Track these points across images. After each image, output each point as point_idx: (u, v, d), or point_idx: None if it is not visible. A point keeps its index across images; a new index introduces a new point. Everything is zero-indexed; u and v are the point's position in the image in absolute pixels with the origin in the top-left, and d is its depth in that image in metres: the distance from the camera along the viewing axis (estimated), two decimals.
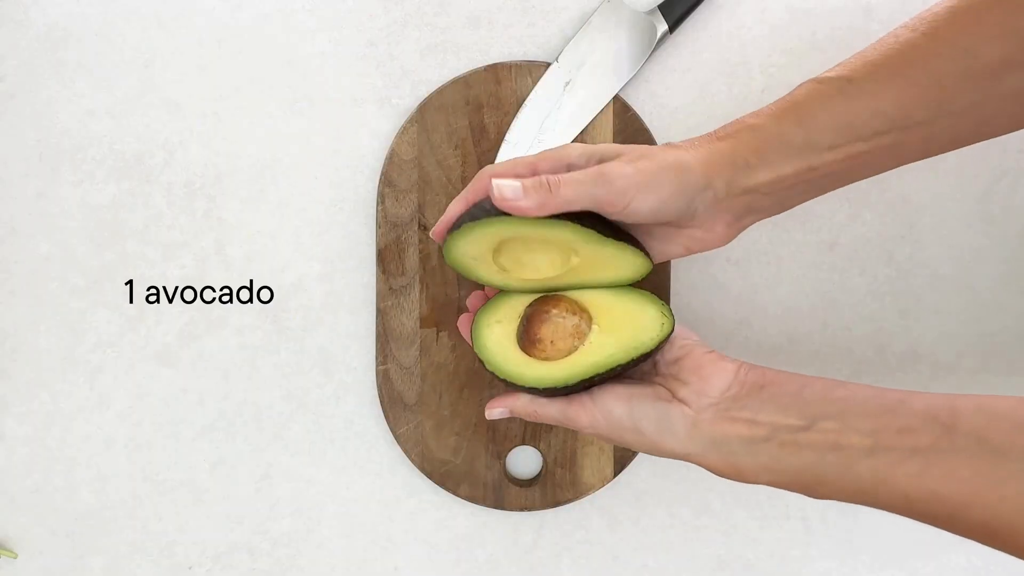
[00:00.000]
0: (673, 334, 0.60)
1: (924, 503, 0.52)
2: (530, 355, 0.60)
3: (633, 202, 0.55)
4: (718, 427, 0.56)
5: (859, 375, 0.71)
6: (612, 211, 0.56)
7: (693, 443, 0.56)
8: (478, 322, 0.62)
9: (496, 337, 0.61)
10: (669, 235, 0.59)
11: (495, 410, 0.61)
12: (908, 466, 0.52)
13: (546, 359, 0.60)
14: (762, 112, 0.58)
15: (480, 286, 0.65)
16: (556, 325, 0.60)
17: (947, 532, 0.53)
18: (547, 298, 0.61)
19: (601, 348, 0.59)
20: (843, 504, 0.72)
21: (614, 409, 0.58)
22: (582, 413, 0.59)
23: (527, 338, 0.60)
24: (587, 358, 0.59)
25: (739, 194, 0.56)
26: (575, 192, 0.55)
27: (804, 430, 0.54)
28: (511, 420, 0.70)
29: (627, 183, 0.55)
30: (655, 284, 0.69)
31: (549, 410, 0.60)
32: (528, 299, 0.61)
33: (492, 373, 0.61)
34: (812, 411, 0.55)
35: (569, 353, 0.60)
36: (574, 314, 0.60)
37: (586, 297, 0.61)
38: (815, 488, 0.55)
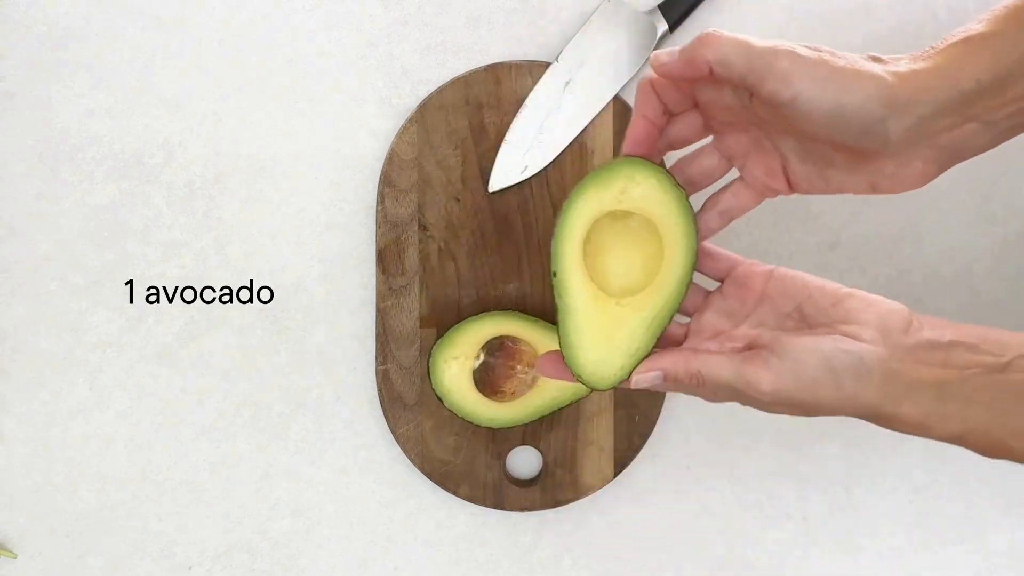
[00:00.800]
0: (816, 283, 0.54)
1: None
2: (487, 396, 0.68)
3: (801, 93, 0.47)
4: (914, 370, 0.50)
5: None
6: (767, 96, 0.48)
7: (888, 392, 0.50)
8: (435, 357, 0.67)
9: (453, 374, 0.67)
10: (852, 164, 0.51)
11: (648, 375, 0.53)
12: None
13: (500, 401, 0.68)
14: (987, 19, 0.49)
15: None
16: (519, 380, 0.68)
17: None
18: (509, 349, 0.67)
19: (546, 391, 0.68)
20: (843, 504, 0.72)
21: (807, 360, 0.50)
22: (764, 373, 0.50)
23: (489, 386, 0.68)
24: (534, 400, 0.68)
25: (953, 122, 0.49)
26: (721, 52, 0.48)
27: (999, 370, 0.50)
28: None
29: (793, 68, 0.47)
30: None
31: (720, 372, 0.51)
32: (483, 336, 0.67)
33: (449, 411, 0.68)
34: (1003, 350, 0.50)
35: (519, 395, 0.68)
36: (531, 366, 0.67)
37: (538, 340, 0.67)
38: (1006, 442, 0.50)
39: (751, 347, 0.53)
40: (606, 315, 0.56)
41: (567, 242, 0.56)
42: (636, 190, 0.55)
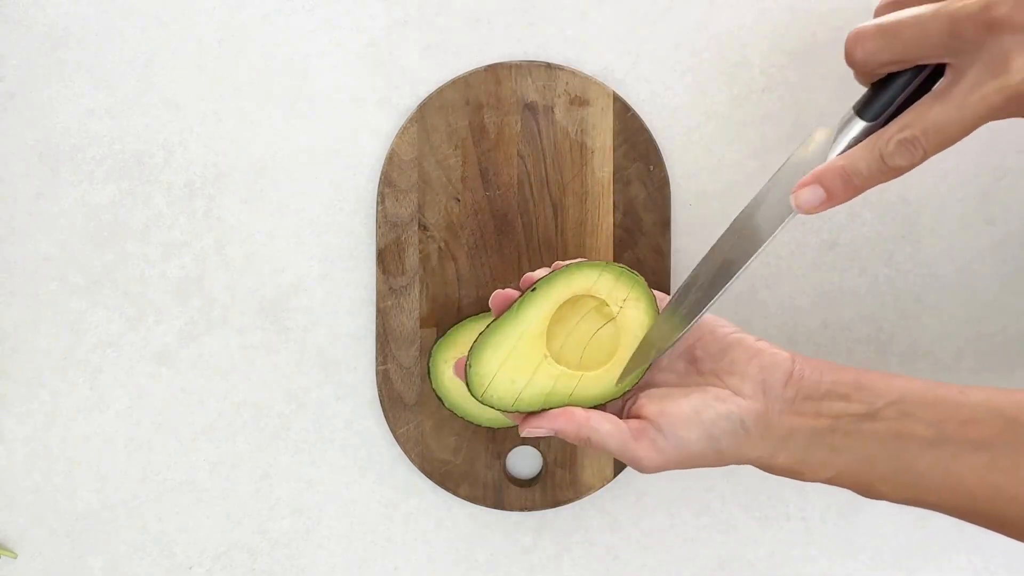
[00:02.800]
0: (710, 324, 0.57)
1: (989, 501, 0.50)
2: None
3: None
4: (787, 421, 0.53)
5: None
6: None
7: (765, 444, 0.53)
8: (435, 357, 0.67)
9: (452, 374, 0.67)
10: None
11: (538, 430, 0.55)
12: (973, 459, 0.50)
13: None
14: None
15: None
16: None
17: (1013, 538, 0.51)
18: None
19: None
20: (843, 504, 0.72)
21: (689, 436, 0.53)
22: (649, 452, 0.53)
23: None
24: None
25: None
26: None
27: (868, 419, 0.52)
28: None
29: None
30: (655, 284, 0.69)
31: (608, 443, 0.54)
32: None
33: (449, 410, 0.67)
34: (873, 399, 0.52)
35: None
36: None
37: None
38: (874, 486, 0.53)
39: (638, 414, 0.55)
40: (540, 363, 0.58)
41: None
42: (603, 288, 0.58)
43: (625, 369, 0.57)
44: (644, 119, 0.70)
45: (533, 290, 0.58)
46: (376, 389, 0.71)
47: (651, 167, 0.69)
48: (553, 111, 0.69)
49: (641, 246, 0.70)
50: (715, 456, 0.53)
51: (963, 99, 0.50)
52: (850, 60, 0.54)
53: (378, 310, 0.70)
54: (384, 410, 0.70)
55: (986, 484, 0.50)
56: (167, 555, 0.72)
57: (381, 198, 0.70)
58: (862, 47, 0.53)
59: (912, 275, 0.71)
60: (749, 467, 0.71)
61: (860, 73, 0.55)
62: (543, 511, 0.72)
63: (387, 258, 0.70)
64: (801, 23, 0.70)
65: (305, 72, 0.71)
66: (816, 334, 0.71)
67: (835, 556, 0.72)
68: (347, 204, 0.71)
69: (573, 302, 0.59)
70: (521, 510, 0.71)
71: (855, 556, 0.72)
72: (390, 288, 0.70)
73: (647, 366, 0.56)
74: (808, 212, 0.54)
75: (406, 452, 0.70)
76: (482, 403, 0.58)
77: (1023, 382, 0.71)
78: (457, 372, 0.59)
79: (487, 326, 0.59)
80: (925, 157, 0.52)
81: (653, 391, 0.56)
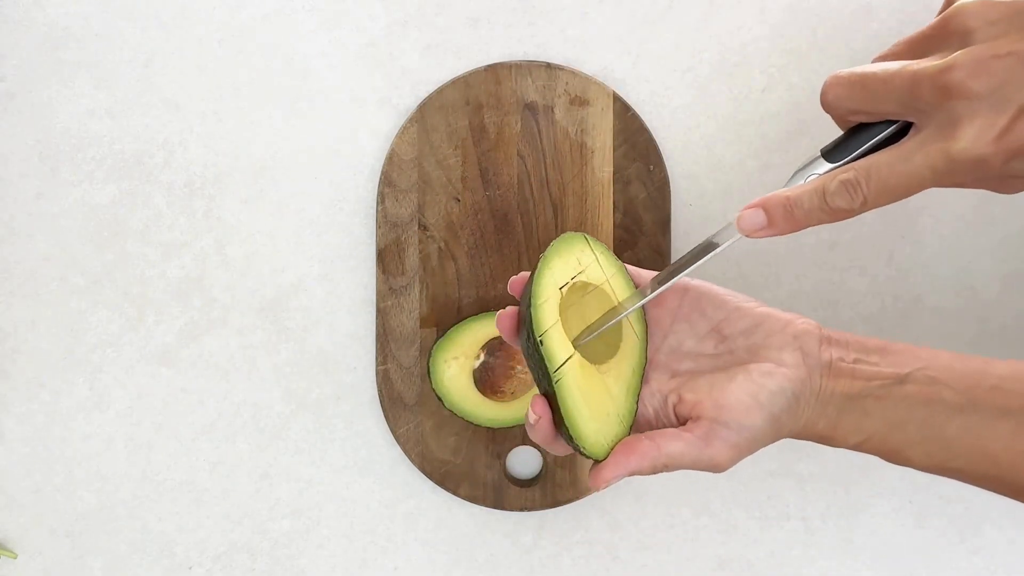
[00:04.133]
0: (733, 302, 0.56)
1: (1014, 468, 0.51)
2: (487, 396, 0.67)
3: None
4: (827, 385, 0.53)
5: None
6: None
7: (810, 410, 0.53)
8: (435, 357, 0.67)
9: (452, 374, 0.67)
10: None
11: (614, 477, 0.52)
12: (999, 425, 0.51)
13: (500, 401, 0.68)
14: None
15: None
16: (519, 380, 0.68)
17: None
18: (508, 349, 0.67)
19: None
20: (843, 504, 0.72)
21: (755, 422, 0.52)
22: (723, 450, 0.52)
23: (489, 386, 0.67)
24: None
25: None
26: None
27: (899, 383, 0.53)
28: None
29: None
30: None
31: (682, 460, 0.52)
32: (483, 336, 0.67)
33: (450, 410, 0.68)
34: (902, 364, 0.53)
35: (520, 395, 0.68)
36: None
37: None
38: (903, 451, 0.53)
39: (689, 413, 0.54)
40: (593, 383, 0.55)
41: (546, 307, 0.54)
42: (587, 260, 0.56)
43: (586, 329, 0.56)
44: (644, 119, 0.70)
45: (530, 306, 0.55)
46: (376, 389, 0.71)
47: (651, 167, 0.69)
48: (553, 111, 0.69)
49: (641, 246, 0.70)
50: (775, 434, 0.53)
51: (909, 155, 0.52)
52: (823, 102, 0.55)
53: (378, 310, 0.70)
54: (384, 410, 0.70)
55: (1011, 450, 0.51)
56: (167, 555, 0.72)
57: (381, 198, 0.70)
58: (833, 91, 0.54)
59: (912, 275, 0.71)
60: (749, 467, 0.72)
61: (832, 117, 0.56)
62: (543, 511, 0.72)
63: (387, 258, 0.70)
64: (801, 23, 0.70)
65: (305, 72, 0.71)
66: None
67: (835, 556, 0.72)
68: (347, 204, 0.71)
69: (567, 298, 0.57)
70: (521, 510, 0.71)
71: (855, 556, 0.72)
72: (390, 288, 0.70)
73: (604, 327, 0.55)
74: (749, 235, 0.55)
75: (406, 452, 0.70)
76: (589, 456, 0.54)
77: None
78: (546, 437, 0.55)
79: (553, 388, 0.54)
80: (866, 205, 0.53)
81: (693, 383, 0.55)
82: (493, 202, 0.69)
